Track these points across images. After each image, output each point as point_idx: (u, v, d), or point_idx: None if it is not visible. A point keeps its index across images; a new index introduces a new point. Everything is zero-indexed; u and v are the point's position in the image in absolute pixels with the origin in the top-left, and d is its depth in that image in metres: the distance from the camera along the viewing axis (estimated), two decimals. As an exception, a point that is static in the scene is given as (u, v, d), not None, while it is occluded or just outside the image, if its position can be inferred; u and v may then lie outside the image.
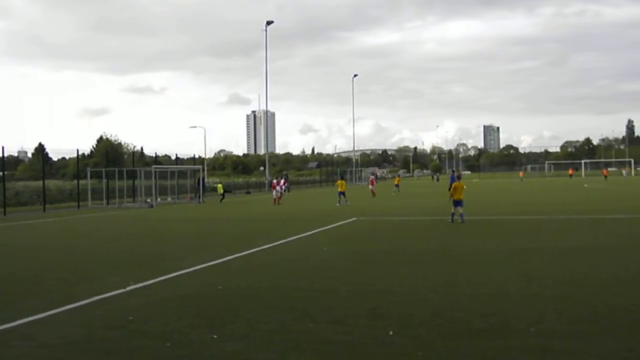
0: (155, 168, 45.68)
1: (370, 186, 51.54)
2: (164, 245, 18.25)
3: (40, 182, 42.14)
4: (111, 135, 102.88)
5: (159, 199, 44.78)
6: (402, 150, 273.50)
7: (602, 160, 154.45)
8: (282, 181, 45.06)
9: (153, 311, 8.97)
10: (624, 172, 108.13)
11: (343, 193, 36.90)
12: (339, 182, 38.72)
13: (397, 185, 59.74)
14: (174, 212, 34.77)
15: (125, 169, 47.64)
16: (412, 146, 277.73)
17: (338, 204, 35.82)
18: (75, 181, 45.91)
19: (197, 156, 71.55)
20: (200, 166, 58.95)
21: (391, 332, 7.43)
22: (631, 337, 7.06)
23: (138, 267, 13.49)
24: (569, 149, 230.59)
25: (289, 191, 63.38)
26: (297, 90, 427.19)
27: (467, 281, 10.90)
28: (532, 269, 11.96)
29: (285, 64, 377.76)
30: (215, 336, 7.45)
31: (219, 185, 49.58)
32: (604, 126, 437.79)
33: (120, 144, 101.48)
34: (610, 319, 7.91)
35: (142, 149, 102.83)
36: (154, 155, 61.88)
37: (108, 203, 43.45)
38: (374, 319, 8.19)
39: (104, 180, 44.85)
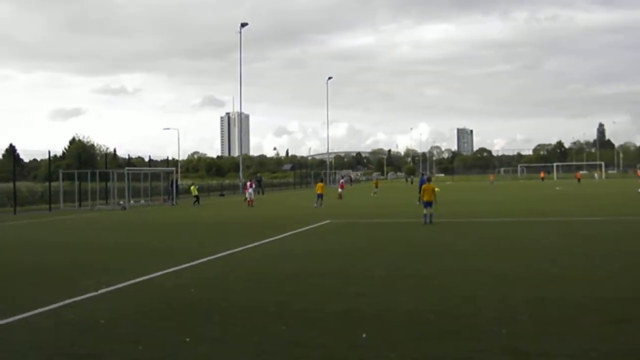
0: (128, 170, 45.37)
1: (339, 189, 51.58)
2: (135, 246, 18.11)
3: (11, 184, 41.58)
4: (84, 137, 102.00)
5: (132, 201, 44.46)
6: (376, 152, 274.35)
7: (574, 163, 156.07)
8: (248, 184, 45.32)
9: (125, 314, 8.90)
10: (596, 175, 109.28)
11: (321, 195, 37.27)
12: (319, 184, 39.14)
13: (376, 187, 60.32)
14: (147, 214, 34.55)
15: (98, 171, 47.30)
16: (386, 149, 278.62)
17: (315, 205, 36.20)
18: (47, 183, 45.39)
19: (170, 158, 71.30)
20: (174, 168, 58.68)
21: (364, 335, 7.44)
22: (600, 338, 7.14)
23: (110, 269, 13.36)
24: (542, 152, 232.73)
25: (262, 193, 63.31)
26: (271, 92, 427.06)
27: (439, 283, 10.95)
28: (504, 271, 12.05)
29: (260, 66, 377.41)
30: (187, 339, 7.41)
31: (193, 187, 49.31)
32: (576, 130, 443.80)
33: (92, 145, 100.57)
34: (580, 319, 7.99)
35: (115, 150, 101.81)
36: (127, 157, 61.48)
37: (80, 205, 43.04)
38: (347, 321, 8.20)
39: (76, 182, 44.44)
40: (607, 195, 43.41)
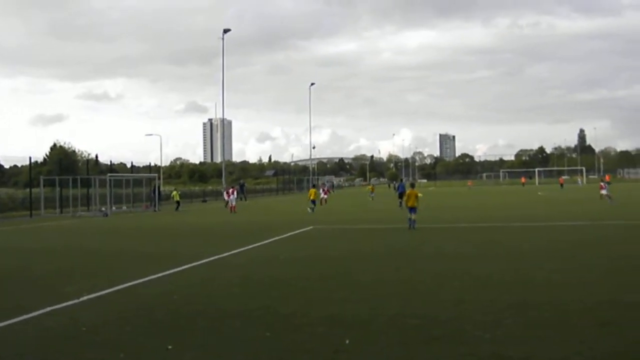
0: (110, 176, 45.15)
1: (323, 195, 51.85)
2: (118, 253, 17.97)
3: (-9, 191, 41.30)
4: (65, 143, 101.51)
5: (114, 208, 44.22)
6: (359, 158, 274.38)
7: (556, 168, 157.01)
8: (230, 190, 45.76)
9: (107, 321, 8.82)
10: (579, 180, 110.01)
11: (314, 201, 38.22)
12: (311, 190, 40.25)
13: (372, 193, 60.38)
14: (129, 221, 34.35)
15: (80, 177, 46.98)
16: (368, 154, 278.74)
17: (309, 211, 36.65)
18: (28, 189, 45.08)
19: (153, 164, 70.98)
20: (156, 174, 58.42)
21: (347, 341, 7.42)
22: (583, 342, 7.15)
23: (92, 276, 13.23)
24: (523, 158, 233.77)
25: (245, 199, 63.17)
26: (255, 98, 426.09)
27: (424, 288, 10.98)
28: (489, 275, 12.08)
29: (244, 72, 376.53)
30: (170, 346, 7.35)
31: (175, 193, 49.03)
32: (558, 135, 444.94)
33: (74, 151, 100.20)
34: (565, 323, 8.01)
35: (96, 156, 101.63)
36: (109, 163, 61.12)
37: (62, 212, 42.77)
38: (331, 326, 8.18)
39: (58, 189, 44.15)
40: (589, 201, 43.64)
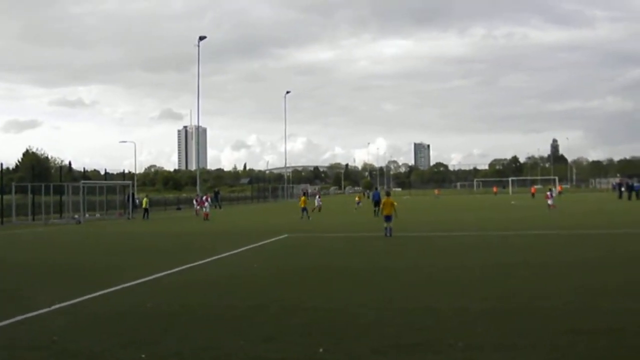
0: (83, 183, 44.81)
1: (318, 202, 52.05)
2: (90, 262, 17.80)
3: (-38, 198, 40.69)
4: (37, 149, 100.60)
5: (87, 215, 43.85)
6: (334, 167, 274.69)
7: (529, 178, 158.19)
8: (204, 197, 46.01)
9: (79, 330, 8.74)
10: (553, 190, 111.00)
11: (305, 209, 38.81)
12: (302, 198, 41.13)
13: (358, 203, 59.49)
14: (102, 229, 34.08)
15: (52, 184, 46.48)
16: (343, 163, 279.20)
17: (302, 219, 37.18)
18: (-1, 196, 44.56)
19: (127, 171, 70.51)
20: (130, 182, 58.06)
21: (321, 350, 7.42)
22: (556, 350, 7.24)
23: (65, 284, 13.11)
24: (497, 167, 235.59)
25: (220, 207, 62.98)
26: (230, 105, 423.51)
27: (398, 296, 11.02)
28: (462, 284, 12.16)
29: (220, 79, 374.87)
30: (144, 355, 7.31)
31: (145, 200, 48.61)
32: (531, 145, 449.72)
33: (47, 158, 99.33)
34: (535, 330, 8.07)
35: (70, 163, 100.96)
36: (82, 170, 60.68)
37: (34, 219, 42.29)
38: (305, 335, 8.18)
39: (30, 196, 43.65)
40: (561, 210, 44.09)
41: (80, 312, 10.12)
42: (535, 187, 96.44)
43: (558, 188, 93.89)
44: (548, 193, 45.39)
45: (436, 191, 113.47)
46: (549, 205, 42.91)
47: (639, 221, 29.66)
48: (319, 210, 47.72)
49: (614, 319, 8.75)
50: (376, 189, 48.36)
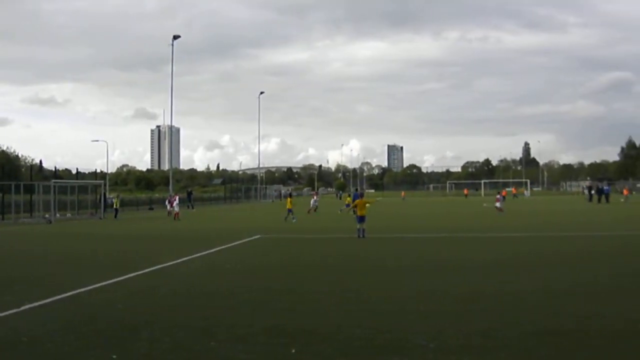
0: (54, 182, 44.35)
1: (315, 202, 52.13)
2: (59, 263, 17.65)
3: None
4: (8, 148, 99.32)
5: (58, 215, 43.45)
6: (307, 168, 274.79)
7: (501, 180, 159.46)
8: (173, 197, 46.27)
9: (49, 331, 8.67)
10: (525, 192, 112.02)
11: (291, 210, 38.35)
12: (288, 199, 40.92)
13: (347, 205, 58.16)
14: (73, 229, 33.80)
15: (23, 183, 45.99)
16: (317, 164, 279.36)
17: (286, 220, 36.69)
18: (-32, 195, 43.98)
19: (99, 171, 69.97)
20: (102, 181, 57.64)
21: (293, 350, 7.46)
22: (522, 350, 7.36)
23: (34, 286, 13.00)
24: (470, 169, 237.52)
25: (192, 208, 62.75)
26: (204, 106, 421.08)
27: (369, 297, 11.09)
28: (432, 286, 12.27)
29: (193, 79, 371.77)
30: (114, 356, 7.29)
31: (116, 200, 48.25)
32: (503, 147, 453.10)
33: (17, 156, 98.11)
34: (504, 333, 8.17)
35: (40, 162, 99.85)
36: (53, 169, 60.09)
37: (3, 218, 41.82)
38: (276, 336, 8.20)
39: (-1, 195, 43.18)
40: (532, 213, 44.58)
41: (50, 313, 10.04)
42: (506, 189, 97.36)
43: (513, 190, 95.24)
44: (498, 196, 46.53)
45: (402, 193, 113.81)
46: (496, 207, 44.07)
47: (590, 223, 30.08)
48: (315, 210, 47.68)
49: (577, 319, 8.90)
50: (356, 190, 48.31)
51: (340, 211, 48.96)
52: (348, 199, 62.18)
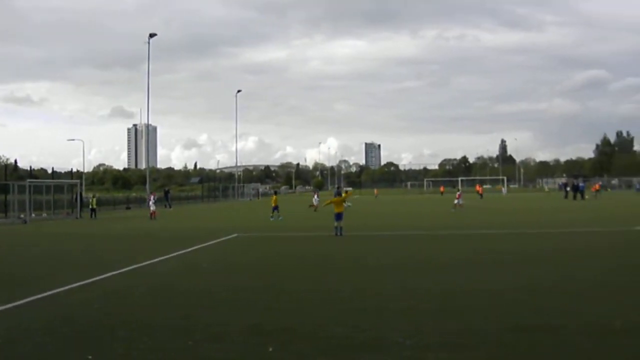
0: (29, 182, 43.93)
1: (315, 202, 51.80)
2: (35, 263, 17.48)
3: None
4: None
5: (33, 215, 43.04)
6: (285, 166, 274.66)
7: (478, 178, 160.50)
8: (150, 196, 46.26)
9: (24, 333, 8.59)
10: (503, 189, 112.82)
11: (276, 208, 38.10)
12: (273, 197, 40.83)
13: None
14: (49, 228, 33.51)
15: (-4, 183, 45.53)
16: (295, 162, 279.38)
17: (272, 219, 36.38)
18: (-59, 195, 43.43)
19: (75, 170, 69.43)
20: (78, 181, 57.18)
21: (271, 349, 7.45)
22: (500, 346, 7.42)
23: (9, 286, 12.85)
24: (447, 167, 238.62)
25: (170, 207, 62.50)
26: (182, 104, 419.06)
27: (347, 295, 11.09)
28: (410, 283, 12.32)
29: (171, 77, 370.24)
30: (90, 357, 7.23)
31: (92, 199, 47.83)
32: (481, 145, 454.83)
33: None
34: (483, 330, 8.23)
35: (15, 161, 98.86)
36: (28, 168, 59.54)
37: (-23, 218, 41.39)
38: (254, 335, 8.19)
39: (-27, 195, 42.68)
40: (511, 210, 44.87)
41: (25, 314, 9.94)
42: (483, 187, 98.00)
43: (477, 188, 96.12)
44: (458, 193, 47.56)
45: (375, 191, 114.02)
46: (456, 204, 44.96)
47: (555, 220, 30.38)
48: (315, 210, 47.53)
49: (555, 316, 8.97)
50: (338, 188, 48.20)
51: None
52: (348, 193, 62.47)
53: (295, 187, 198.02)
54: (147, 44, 67.81)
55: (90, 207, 45.37)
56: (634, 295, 10.71)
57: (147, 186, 70.99)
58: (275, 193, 44.36)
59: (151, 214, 41.55)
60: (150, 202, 43.97)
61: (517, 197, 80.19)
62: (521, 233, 24.27)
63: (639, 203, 51.73)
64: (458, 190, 51.16)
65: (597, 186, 74.26)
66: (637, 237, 21.94)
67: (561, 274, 13.30)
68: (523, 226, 27.67)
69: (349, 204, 51.53)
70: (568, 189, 67.94)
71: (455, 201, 45.22)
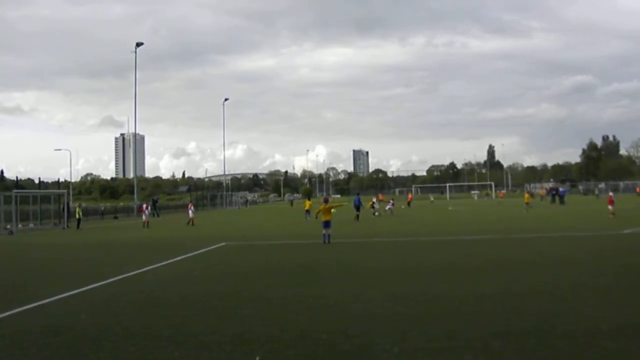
0: (15, 192, 43.77)
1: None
2: (23, 274, 17.40)
3: None
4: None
5: (20, 225, 42.86)
6: (274, 174, 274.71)
7: (466, 183, 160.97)
8: (144, 206, 46.23)
9: (10, 344, 8.56)
10: (491, 194, 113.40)
11: (308, 211, 41.25)
12: (306, 202, 45.07)
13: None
14: (36, 239, 33.34)
15: (-17, 194, 45.31)
16: (283, 170, 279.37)
17: (306, 221, 39.82)
18: None
19: (62, 180, 69.19)
20: (65, 191, 56.97)
21: (258, 358, 7.45)
22: (485, 351, 7.46)
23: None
24: (435, 173, 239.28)
25: (158, 215, 62.35)
26: (170, 113, 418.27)
27: (334, 302, 11.10)
28: (398, 289, 12.32)
29: (160, 86, 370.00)
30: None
31: (78, 210, 47.45)
32: (468, 151, 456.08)
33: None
34: (468, 334, 8.26)
35: (2, 172, 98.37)
36: (15, 178, 59.26)
37: (-37, 229, 41.15)
38: (241, 343, 8.19)
39: (-41, 206, 42.46)
40: (498, 215, 44.97)
41: (12, 326, 9.89)
42: (472, 192, 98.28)
43: (409, 197, 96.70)
44: (391, 200, 52.93)
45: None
46: (386, 209, 50.19)
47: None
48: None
49: (541, 320, 9.02)
50: (358, 194, 48.26)
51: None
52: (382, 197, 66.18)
53: (284, 195, 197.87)
54: (134, 53, 67.85)
55: (77, 217, 45.10)
56: (619, 298, 10.77)
57: (135, 196, 70.84)
58: (309, 198, 48.73)
59: (143, 223, 41.92)
60: (146, 212, 44.61)
61: (505, 203, 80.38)
62: (506, 239, 24.32)
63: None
64: (392, 198, 55.17)
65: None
66: (619, 242, 22.04)
67: (544, 278, 13.33)
68: (508, 231, 27.75)
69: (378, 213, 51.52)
70: (554, 193, 68.57)
71: (388, 206, 50.26)
